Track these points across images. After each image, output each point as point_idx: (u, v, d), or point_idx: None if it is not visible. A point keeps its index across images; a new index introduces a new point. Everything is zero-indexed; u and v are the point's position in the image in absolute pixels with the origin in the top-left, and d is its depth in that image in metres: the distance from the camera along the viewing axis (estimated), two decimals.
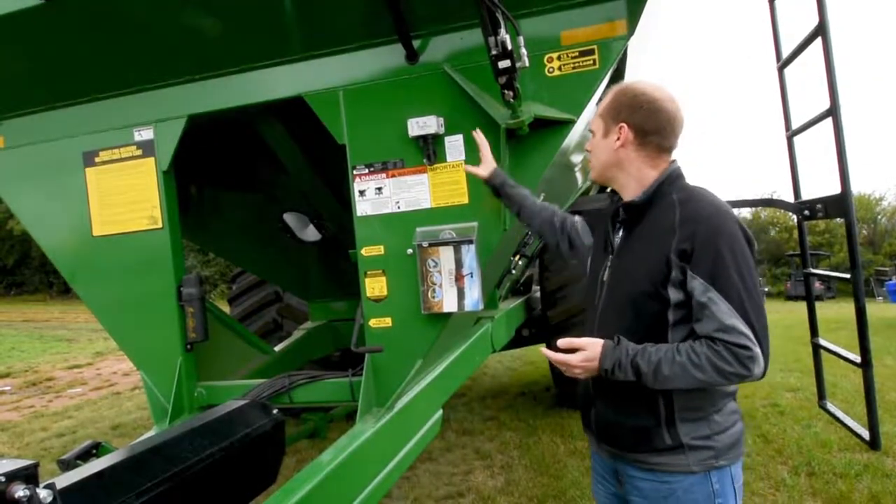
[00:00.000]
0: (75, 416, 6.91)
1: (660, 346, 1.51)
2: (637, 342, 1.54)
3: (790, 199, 2.91)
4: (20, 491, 1.23)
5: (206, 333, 2.66)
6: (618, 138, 1.63)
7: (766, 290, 23.33)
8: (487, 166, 2.18)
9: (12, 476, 1.25)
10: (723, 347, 1.44)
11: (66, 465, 2.15)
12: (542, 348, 1.67)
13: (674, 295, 1.51)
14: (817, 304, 2.97)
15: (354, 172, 2.39)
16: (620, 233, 1.70)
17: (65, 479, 1.41)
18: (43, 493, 1.27)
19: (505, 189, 2.15)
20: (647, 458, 1.59)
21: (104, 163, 2.64)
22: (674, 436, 1.55)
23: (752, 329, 1.44)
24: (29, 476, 1.27)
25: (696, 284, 1.46)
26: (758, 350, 1.44)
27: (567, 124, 2.17)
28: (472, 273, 2.25)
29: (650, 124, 1.60)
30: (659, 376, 1.47)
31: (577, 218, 2.09)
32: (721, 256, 1.45)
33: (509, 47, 1.84)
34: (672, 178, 1.62)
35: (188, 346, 2.66)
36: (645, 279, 1.54)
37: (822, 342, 2.78)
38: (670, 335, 1.53)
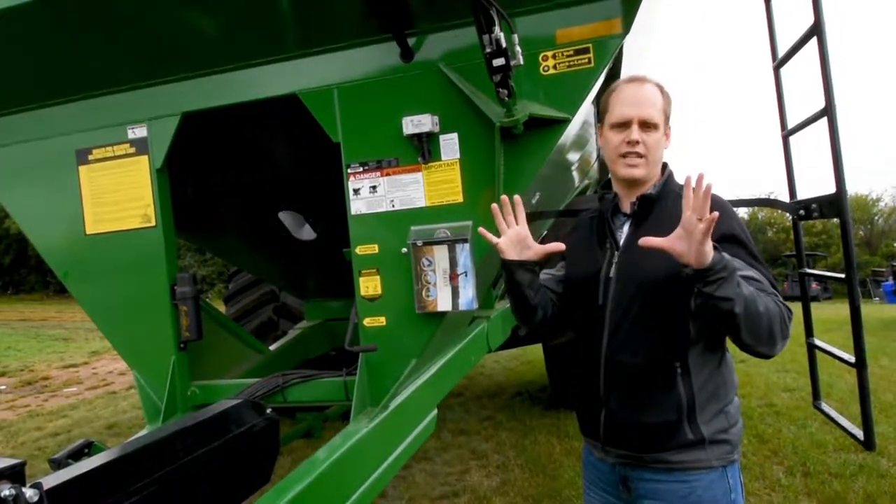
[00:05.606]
0: (70, 416, 6.90)
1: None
2: (655, 333, 1.57)
3: (786, 199, 2.90)
4: (5, 490, 1.22)
5: (199, 332, 2.64)
6: (667, 136, 1.68)
7: None
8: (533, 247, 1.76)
9: None
10: (782, 305, 1.48)
11: (58, 464, 2.13)
12: (653, 240, 1.43)
13: None
14: (814, 305, 2.98)
15: (349, 171, 2.38)
16: (625, 228, 1.69)
17: (53, 479, 1.39)
18: (29, 493, 1.25)
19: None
20: (667, 456, 1.57)
21: (97, 160, 2.62)
22: (695, 430, 1.55)
23: None
24: (15, 475, 1.26)
25: (739, 262, 1.47)
26: None
27: (562, 123, 2.16)
28: (466, 272, 2.24)
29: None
30: (749, 304, 1.38)
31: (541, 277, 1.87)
32: (742, 242, 1.56)
33: (504, 45, 1.83)
34: (671, 173, 1.71)
35: (182, 346, 2.65)
36: (671, 265, 1.49)
37: (817, 342, 2.77)
38: (691, 324, 1.55)
